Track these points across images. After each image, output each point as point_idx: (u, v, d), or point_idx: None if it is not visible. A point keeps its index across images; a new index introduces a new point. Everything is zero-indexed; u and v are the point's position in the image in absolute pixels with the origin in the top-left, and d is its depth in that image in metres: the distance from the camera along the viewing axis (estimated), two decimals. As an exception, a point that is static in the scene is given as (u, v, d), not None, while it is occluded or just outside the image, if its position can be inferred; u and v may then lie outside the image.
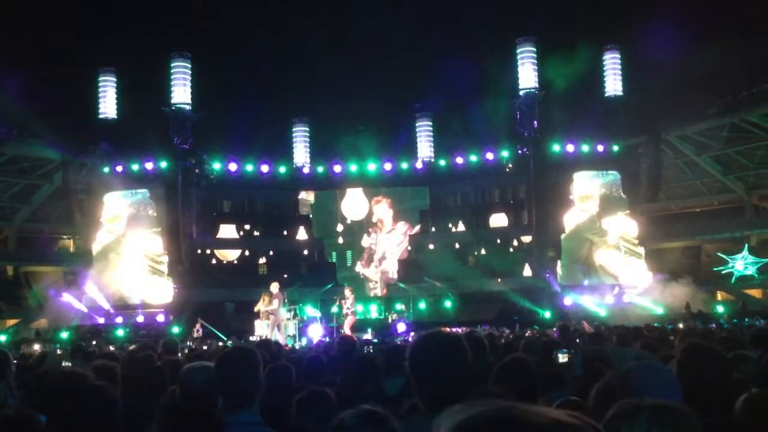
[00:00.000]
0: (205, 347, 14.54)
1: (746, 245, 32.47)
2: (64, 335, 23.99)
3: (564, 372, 4.88)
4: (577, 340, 10.10)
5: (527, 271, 30.23)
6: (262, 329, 20.32)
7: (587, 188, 29.93)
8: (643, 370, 2.72)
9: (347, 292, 22.55)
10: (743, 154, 34.01)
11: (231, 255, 33.61)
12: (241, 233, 33.46)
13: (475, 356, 2.96)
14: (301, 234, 34.37)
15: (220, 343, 16.10)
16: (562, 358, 4.88)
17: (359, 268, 33.50)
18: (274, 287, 20.91)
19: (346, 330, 20.00)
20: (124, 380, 4.34)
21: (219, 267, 32.68)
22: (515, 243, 32.36)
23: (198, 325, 24.02)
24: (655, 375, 2.69)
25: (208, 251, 32.78)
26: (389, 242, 33.75)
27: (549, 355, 5.45)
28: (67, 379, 3.18)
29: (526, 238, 31.21)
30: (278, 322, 20.28)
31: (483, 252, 32.47)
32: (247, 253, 33.51)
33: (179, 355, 8.28)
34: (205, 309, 26.21)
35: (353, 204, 34.22)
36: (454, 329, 20.59)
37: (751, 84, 30.56)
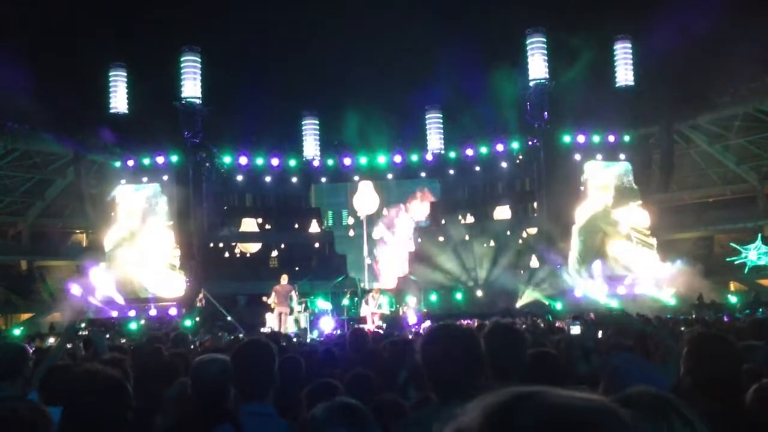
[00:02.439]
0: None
1: (759, 235, 32.23)
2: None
3: (577, 345, 4.87)
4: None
5: (537, 263, 30.17)
6: (273, 322, 20.45)
7: (604, 178, 29.80)
8: (628, 365, 2.74)
9: (375, 293, 22.74)
10: (756, 143, 33.73)
11: (253, 248, 33.91)
12: (251, 226, 33.70)
13: (514, 350, 2.98)
14: (313, 227, 34.49)
15: (231, 337, 16.17)
16: (575, 329, 4.88)
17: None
18: (282, 280, 21.07)
19: (371, 326, 20.06)
20: (133, 372, 4.37)
21: (231, 260, 32.83)
22: (524, 234, 32.32)
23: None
24: (640, 370, 2.71)
25: (221, 245, 32.95)
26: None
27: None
28: (81, 373, 3.22)
29: (536, 230, 31.14)
30: (282, 314, 20.35)
31: (492, 243, 32.44)
32: (259, 246, 33.75)
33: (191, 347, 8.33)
34: (217, 302, 26.36)
35: (364, 198, 34.23)
36: (466, 321, 20.63)
37: (763, 73, 30.26)
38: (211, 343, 11.38)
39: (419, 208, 32.97)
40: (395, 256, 32.90)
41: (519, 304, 26.96)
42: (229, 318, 23.15)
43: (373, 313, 21.55)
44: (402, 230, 32.46)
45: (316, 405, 3.62)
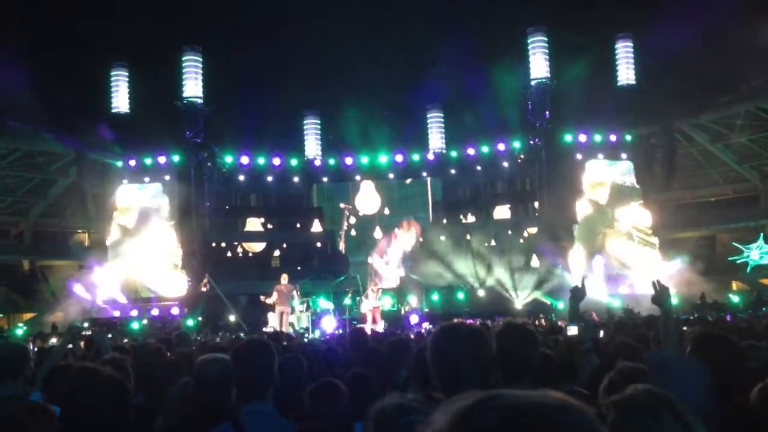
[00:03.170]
0: (218, 339, 14.66)
1: (761, 235, 32.20)
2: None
3: (574, 351, 4.88)
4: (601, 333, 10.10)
5: (538, 262, 30.14)
6: (274, 322, 20.49)
7: (598, 176, 29.79)
8: (676, 362, 2.73)
9: (372, 286, 22.70)
10: (758, 142, 33.67)
11: (258, 247, 33.99)
12: (250, 226, 33.74)
13: (526, 350, 2.98)
14: (316, 226, 34.52)
15: (233, 336, 16.19)
16: (572, 330, 4.88)
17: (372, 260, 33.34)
18: (282, 279, 21.10)
19: (371, 323, 20.00)
20: (135, 372, 4.37)
21: (233, 260, 32.85)
22: (525, 234, 32.33)
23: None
24: (687, 368, 2.70)
25: (223, 244, 32.98)
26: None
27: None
28: (82, 373, 3.22)
29: (537, 229, 31.12)
30: (283, 313, 20.38)
31: (493, 243, 32.46)
32: (264, 245, 33.84)
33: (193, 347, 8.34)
34: (218, 301, 26.37)
35: (366, 198, 34.25)
36: (468, 321, 20.56)
37: (766, 71, 30.22)
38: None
39: (406, 237, 32.93)
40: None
41: (521, 303, 26.94)
42: (232, 317, 23.19)
43: (374, 308, 21.49)
44: (393, 259, 32.43)
45: (318, 404, 3.64)
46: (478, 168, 32.74)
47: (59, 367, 4.68)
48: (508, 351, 2.87)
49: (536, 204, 31.50)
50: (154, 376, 4.58)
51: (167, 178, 30.17)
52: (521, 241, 32.11)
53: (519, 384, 2.76)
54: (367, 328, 17.54)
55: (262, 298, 21.23)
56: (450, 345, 2.61)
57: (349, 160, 32.83)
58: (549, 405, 1.00)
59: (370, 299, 21.90)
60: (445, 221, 33.89)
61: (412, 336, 10.98)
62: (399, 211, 34.13)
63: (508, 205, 33.38)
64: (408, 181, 34.36)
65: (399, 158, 32.68)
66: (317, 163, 33.71)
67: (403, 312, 25.52)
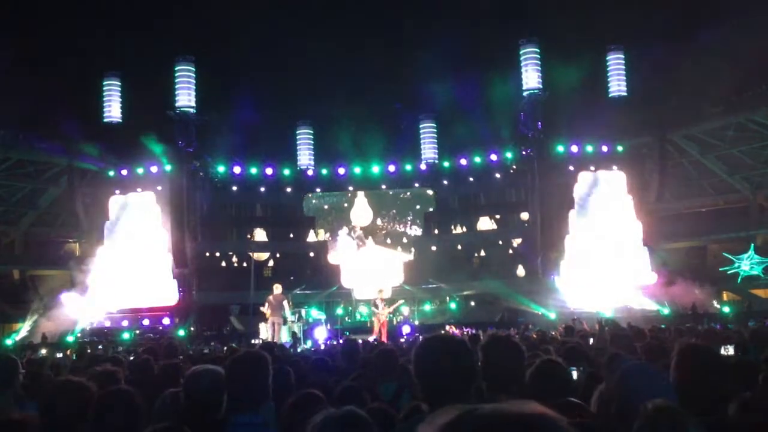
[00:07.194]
0: (206, 350, 14.60)
1: (752, 245, 32.35)
2: (71, 339, 24.06)
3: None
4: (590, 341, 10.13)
5: (530, 272, 30.18)
6: (266, 332, 20.37)
7: (597, 188, 29.83)
8: (638, 372, 2.74)
9: (379, 295, 21.67)
10: (749, 153, 33.85)
11: (264, 256, 34.03)
12: (249, 236, 33.56)
13: (511, 361, 2.99)
14: (309, 236, 34.46)
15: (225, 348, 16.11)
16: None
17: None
18: (275, 289, 20.94)
19: (383, 337, 18.94)
20: (127, 384, 4.35)
21: (225, 270, 32.74)
22: (515, 244, 32.39)
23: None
24: (650, 377, 2.71)
25: (217, 254, 32.89)
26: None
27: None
28: (64, 388, 3.22)
29: (530, 239, 31.15)
30: (275, 324, 20.18)
31: (483, 253, 32.51)
32: (267, 255, 33.84)
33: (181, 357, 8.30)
34: (210, 311, 26.30)
35: (359, 211, 34.22)
36: (459, 330, 20.56)
37: (756, 83, 30.45)
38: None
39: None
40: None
41: (514, 313, 26.95)
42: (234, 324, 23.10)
43: (379, 320, 20.54)
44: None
45: (298, 416, 3.62)
46: (471, 179, 32.80)
47: (41, 377, 4.66)
48: (492, 363, 2.89)
49: (523, 215, 31.61)
50: (143, 387, 4.56)
51: (159, 188, 30.06)
52: (510, 251, 32.19)
53: (505, 395, 2.77)
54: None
55: (261, 309, 21.01)
56: (431, 357, 2.62)
57: (341, 170, 32.85)
58: (526, 415, 1.03)
59: (380, 309, 20.78)
60: (436, 231, 33.90)
61: (404, 346, 10.96)
62: (391, 222, 34.10)
63: (500, 216, 33.45)
64: (399, 191, 34.35)
65: (392, 168, 32.72)
66: (310, 173, 33.71)
67: (395, 322, 25.49)
